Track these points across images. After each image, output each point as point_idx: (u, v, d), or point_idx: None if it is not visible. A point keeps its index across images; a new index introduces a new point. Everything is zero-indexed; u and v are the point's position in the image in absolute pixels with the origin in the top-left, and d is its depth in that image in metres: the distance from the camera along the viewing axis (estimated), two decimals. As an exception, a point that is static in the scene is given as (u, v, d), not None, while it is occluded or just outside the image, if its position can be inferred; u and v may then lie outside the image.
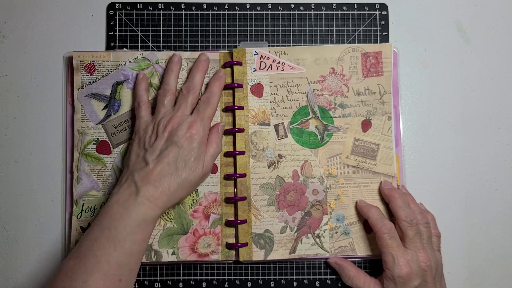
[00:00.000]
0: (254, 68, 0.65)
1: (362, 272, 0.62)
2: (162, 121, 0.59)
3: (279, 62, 0.65)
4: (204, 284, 0.65)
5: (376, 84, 0.65)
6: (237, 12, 0.68)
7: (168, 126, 0.58)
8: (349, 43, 0.67)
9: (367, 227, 0.63)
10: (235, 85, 0.64)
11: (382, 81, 0.65)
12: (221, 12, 0.68)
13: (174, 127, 0.58)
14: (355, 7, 0.68)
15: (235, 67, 0.65)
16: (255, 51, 0.65)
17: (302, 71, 0.65)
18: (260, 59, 0.65)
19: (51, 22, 0.68)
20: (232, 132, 0.64)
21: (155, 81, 0.65)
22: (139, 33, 0.67)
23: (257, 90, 0.65)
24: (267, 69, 0.65)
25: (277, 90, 0.65)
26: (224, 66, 0.65)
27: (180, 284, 0.65)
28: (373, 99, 0.65)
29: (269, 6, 0.68)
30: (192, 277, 0.65)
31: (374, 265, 0.65)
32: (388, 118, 0.65)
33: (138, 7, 0.67)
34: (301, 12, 0.68)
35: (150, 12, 0.67)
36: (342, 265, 0.63)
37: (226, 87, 0.65)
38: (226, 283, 0.65)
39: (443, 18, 0.69)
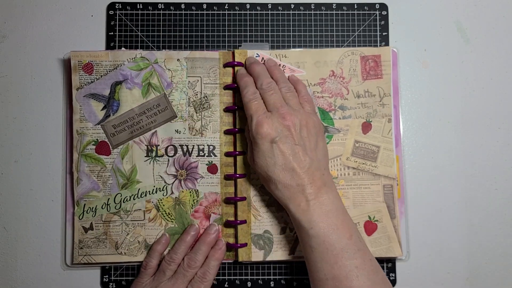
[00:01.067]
0: (254, 69, 0.65)
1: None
2: None
3: (279, 65, 0.65)
4: (204, 284, 0.65)
5: (376, 86, 0.65)
6: (237, 12, 0.67)
7: None
8: (349, 43, 0.67)
9: (368, 229, 0.64)
10: (236, 85, 0.64)
11: (381, 83, 0.65)
12: (221, 12, 0.68)
13: None
14: (355, 7, 0.68)
15: (236, 68, 0.65)
16: (257, 53, 0.65)
17: (302, 74, 0.65)
18: (262, 61, 0.65)
19: (51, 22, 0.67)
20: (232, 132, 0.64)
21: (154, 81, 0.64)
22: (139, 33, 0.67)
23: (258, 91, 0.65)
24: (268, 71, 0.65)
25: (278, 91, 0.65)
26: (225, 66, 0.65)
27: (180, 284, 0.65)
28: (373, 102, 0.65)
29: (269, 6, 0.68)
30: (192, 277, 0.65)
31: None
32: (388, 120, 0.65)
33: (138, 7, 0.67)
34: (301, 12, 0.68)
35: (150, 12, 0.67)
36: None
37: (227, 87, 0.65)
38: (226, 283, 0.65)
39: (443, 18, 0.69)
